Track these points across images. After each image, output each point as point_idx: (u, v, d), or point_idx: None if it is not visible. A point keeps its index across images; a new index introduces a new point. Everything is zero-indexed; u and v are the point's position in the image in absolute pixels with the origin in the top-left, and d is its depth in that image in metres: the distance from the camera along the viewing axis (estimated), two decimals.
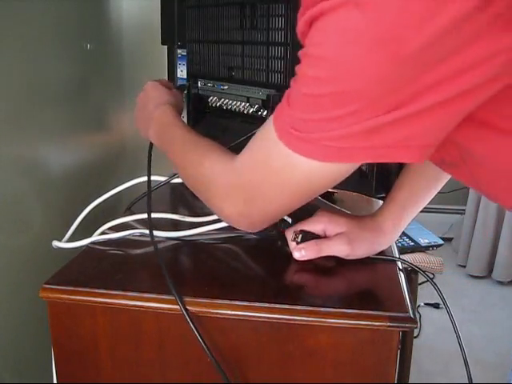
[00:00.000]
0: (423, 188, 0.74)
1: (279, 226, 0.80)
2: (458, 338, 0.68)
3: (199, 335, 0.58)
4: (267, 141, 0.52)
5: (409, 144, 0.46)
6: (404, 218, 0.73)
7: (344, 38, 0.41)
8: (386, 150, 0.47)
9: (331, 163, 0.48)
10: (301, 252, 0.68)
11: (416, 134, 0.46)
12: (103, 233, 0.78)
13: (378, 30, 0.40)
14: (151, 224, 0.70)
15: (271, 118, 0.52)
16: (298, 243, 0.70)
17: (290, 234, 0.71)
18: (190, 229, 0.77)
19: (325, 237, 0.71)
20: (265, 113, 0.85)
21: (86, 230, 0.82)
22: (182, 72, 1.06)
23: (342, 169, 0.50)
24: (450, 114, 0.46)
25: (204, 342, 0.58)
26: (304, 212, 0.78)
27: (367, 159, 0.48)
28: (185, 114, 1.06)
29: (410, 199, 0.72)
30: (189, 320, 0.58)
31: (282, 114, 0.50)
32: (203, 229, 0.77)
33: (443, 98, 0.43)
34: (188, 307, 0.60)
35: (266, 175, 0.54)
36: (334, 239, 0.69)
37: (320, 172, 0.50)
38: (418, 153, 0.47)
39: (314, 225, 0.70)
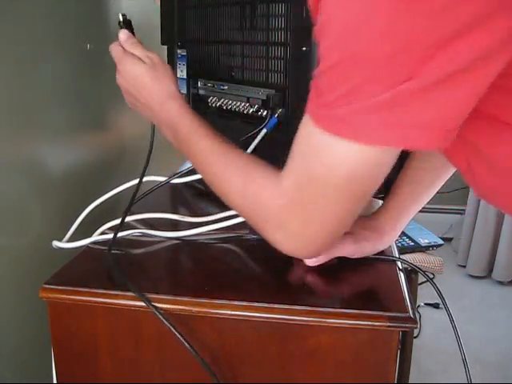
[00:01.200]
0: (424, 187, 0.74)
1: None
2: (458, 338, 0.67)
3: (180, 335, 0.58)
4: (308, 141, 0.49)
5: (430, 127, 0.44)
6: (404, 217, 0.74)
7: None
8: (408, 132, 0.44)
9: (370, 148, 0.46)
10: (312, 259, 0.68)
11: (437, 115, 0.44)
12: (103, 233, 0.78)
13: None
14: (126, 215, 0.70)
15: (301, 127, 0.50)
16: None
17: None
18: (189, 229, 0.77)
19: None
20: (265, 113, 0.85)
21: (85, 230, 0.82)
22: (181, 72, 1.06)
23: (384, 156, 0.47)
24: (466, 88, 0.43)
25: (190, 344, 0.58)
26: None
27: (392, 141, 0.45)
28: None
29: (410, 198, 0.73)
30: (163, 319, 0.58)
31: (312, 104, 0.48)
32: (203, 229, 0.77)
33: (456, 67, 0.41)
34: (188, 307, 0.60)
35: (316, 184, 0.50)
36: (342, 241, 0.69)
37: (362, 158, 0.47)
38: (441, 137, 0.45)
39: None
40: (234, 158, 0.61)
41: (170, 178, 0.91)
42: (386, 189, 0.74)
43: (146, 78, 0.67)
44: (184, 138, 0.64)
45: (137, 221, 0.81)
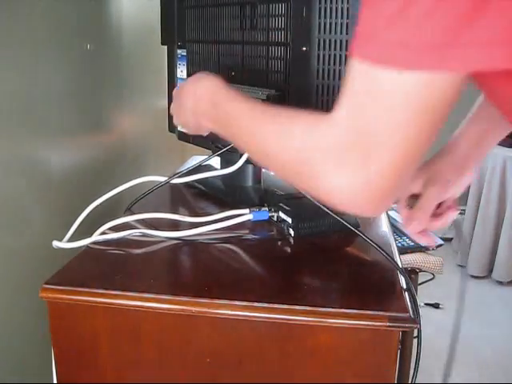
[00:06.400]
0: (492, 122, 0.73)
1: (280, 227, 0.80)
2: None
3: None
4: (356, 73, 0.43)
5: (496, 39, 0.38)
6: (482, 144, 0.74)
7: None
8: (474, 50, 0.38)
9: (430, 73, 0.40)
10: (413, 224, 0.71)
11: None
12: (103, 233, 0.78)
13: None
14: None
15: (351, 59, 0.43)
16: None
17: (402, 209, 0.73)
18: (190, 229, 0.77)
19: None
20: None
21: (86, 230, 0.82)
22: (181, 72, 1.06)
23: (447, 80, 0.41)
24: None
25: None
26: (305, 211, 0.78)
27: (455, 63, 0.39)
28: None
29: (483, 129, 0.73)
30: None
31: (357, 41, 0.43)
32: (203, 229, 0.77)
33: None
34: (188, 307, 0.60)
35: (373, 109, 0.43)
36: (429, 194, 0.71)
37: (417, 84, 0.41)
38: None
39: (415, 184, 0.72)
40: (275, 112, 0.55)
41: (170, 178, 0.91)
42: None
43: (187, 83, 0.74)
44: (220, 108, 0.63)
45: (137, 221, 0.81)
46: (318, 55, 0.76)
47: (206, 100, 0.66)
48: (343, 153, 0.45)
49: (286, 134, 0.51)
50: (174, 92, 0.77)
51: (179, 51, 1.06)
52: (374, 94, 0.42)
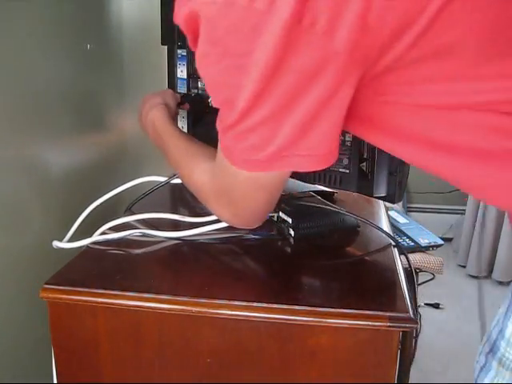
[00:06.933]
0: None
1: (280, 227, 0.80)
2: None
3: None
4: (219, 153, 0.57)
5: (292, 154, 0.49)
6: None
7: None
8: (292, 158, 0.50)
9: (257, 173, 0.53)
10: None
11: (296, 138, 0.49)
12: (103, 233, 0.78)
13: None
14: None
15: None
16: None
17: None
18: (190, 229, 0.77)
19: None
20: None
21: (86, 230, 0.82)
22: (182, 72, 1.06)
23: (273, 176, 0.54)
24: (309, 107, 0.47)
25: None
26: (304, 211, 0.78)
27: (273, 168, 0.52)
28: (185, 114, 1.06)
29: None
30: None
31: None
32: (203, 229, 0.77)
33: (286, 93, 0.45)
34: (188, 307, 0.60)
35: (229, 181, 0.57)
36: None
37: (253, 178, 0.55)
38: (315, 161, 0.50)
39: None
40: (190, 149, 0.73)
41: (170, 178, 0.91)
42: (387, 190, 0.74)
43: (154, 93, 0.89)
44: (158, 134, 0.80)
45: (137, 221, 0.81)
46: None
47: (152, 126, 0.82)
48: (216, 196, 0.61)
49: (192, 171, 0.67)
50: (144, 98, 0.89)
51: (179, 51, 1.06)
52: (226, 170, 0.55)
